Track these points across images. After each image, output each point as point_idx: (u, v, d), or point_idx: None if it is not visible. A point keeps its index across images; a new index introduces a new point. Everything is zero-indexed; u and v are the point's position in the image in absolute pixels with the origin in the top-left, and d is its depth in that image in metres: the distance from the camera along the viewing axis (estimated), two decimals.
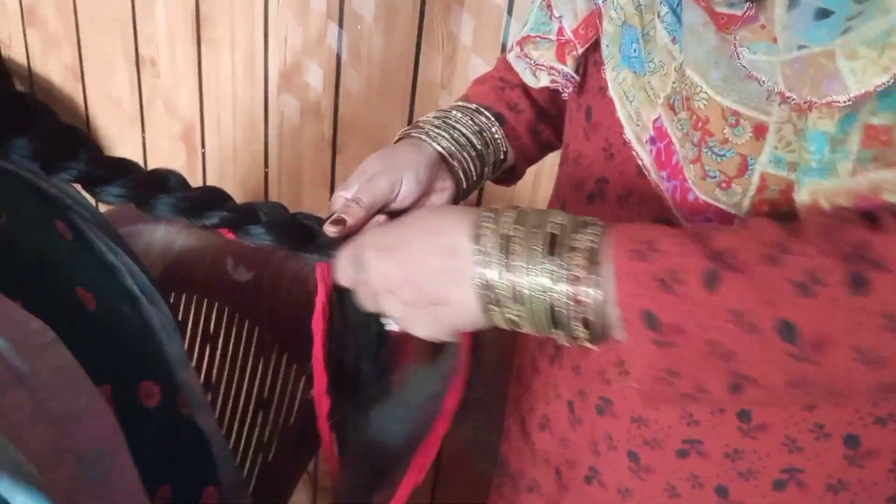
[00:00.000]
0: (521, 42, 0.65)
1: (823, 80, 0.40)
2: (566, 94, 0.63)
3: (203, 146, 1.47)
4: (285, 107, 1.35)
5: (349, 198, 0.58)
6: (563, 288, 0.44)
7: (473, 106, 0.68)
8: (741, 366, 0.42)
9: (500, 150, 0.68)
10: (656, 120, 0.52)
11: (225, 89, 1.39)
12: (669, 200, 0.52)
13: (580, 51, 0.60)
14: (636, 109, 0.54)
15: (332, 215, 0.57)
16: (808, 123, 0.42)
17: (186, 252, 0.96)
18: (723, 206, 0.48)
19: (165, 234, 0.96)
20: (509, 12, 1.09)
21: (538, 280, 0.45)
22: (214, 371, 0.99)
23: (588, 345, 0.46)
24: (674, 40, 0.49)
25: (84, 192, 0.55)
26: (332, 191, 1.36)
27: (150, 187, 0.53)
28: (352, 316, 0.59)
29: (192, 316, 0.99)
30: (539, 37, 0.63)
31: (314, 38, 1.26)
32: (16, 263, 0.53)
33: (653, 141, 0.52)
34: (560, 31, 0.61)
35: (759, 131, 0.45)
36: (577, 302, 0.44)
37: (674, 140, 0.50)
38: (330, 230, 0.56)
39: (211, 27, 1.35)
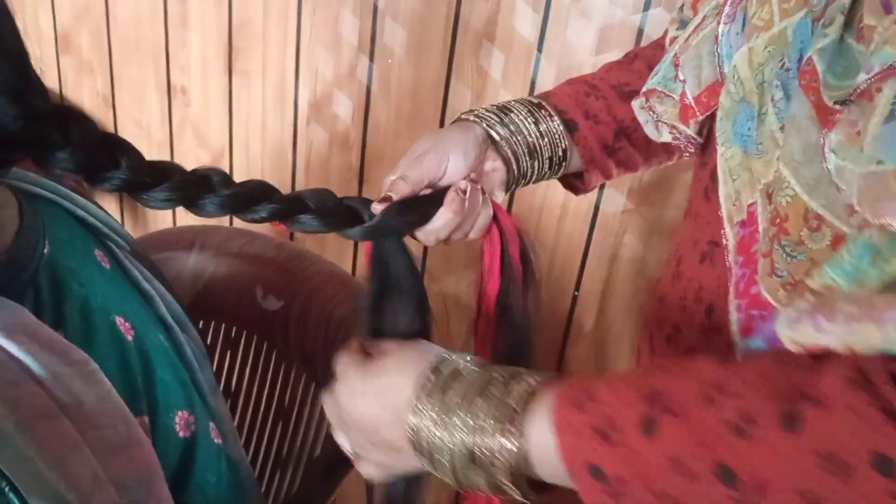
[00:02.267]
0: (647, 94, 0.64)
1: (884, 201, 0.38)
2: (687, 155, 0.63)
3: (231, 174, 1.48)
4: (314, 137, 1.36)
5: (397, 176, 0.61)
6: (482, 440, 0.45)
7: (536, 100, 0.68)
8: None
9: (557, 145, 0.67)
10: (751, 204, 0.49)
11: (255, 118, 1.41)
12: (732, 287, 0.49)
13: (700, 118, 0.59)
14: (737, 189, 0.51)
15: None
16: (864, 234, 0.40)
17: (217, 280, 0.97)
18: (773, 304, 0.46)
19: (196, 262, 0.97)
20: (539, 49, 1.11)
21: (457, 434, 0.46)
22: (241, 398, 0.99)
23: (518, 497, 0.47)
24: (782, 128, 0.47)
25: (133, 200, 0.55)
26: None
27: (196, 187, 0.53)
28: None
29: (220, 343, 0.99)
30: (664, 93, 0.62)
31: (345, 70, 1.27)
32: (60, 292, 0.54)
33: (743, 224, 0.50)
34: (683, 94, 0.60)
35: (837, 241, 0.42)
36: (499, 453, 0.45)
37: (759, 230, 0.48)
38: (377, 207, 0.59)
39: (243, 58, 1.38)
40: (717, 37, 0.56)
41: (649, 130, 0.66)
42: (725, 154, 0.53)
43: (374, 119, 1.28)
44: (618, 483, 0.41)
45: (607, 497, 0.42)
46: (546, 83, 1.12)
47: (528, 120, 0.66)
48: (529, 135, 0.66)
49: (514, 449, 0.44)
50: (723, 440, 0.38)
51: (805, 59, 0.43)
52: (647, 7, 1.03)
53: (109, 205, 1.68)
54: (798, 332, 0.40)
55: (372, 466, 0.55)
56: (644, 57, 0.72)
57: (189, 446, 0.59)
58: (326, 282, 0.95)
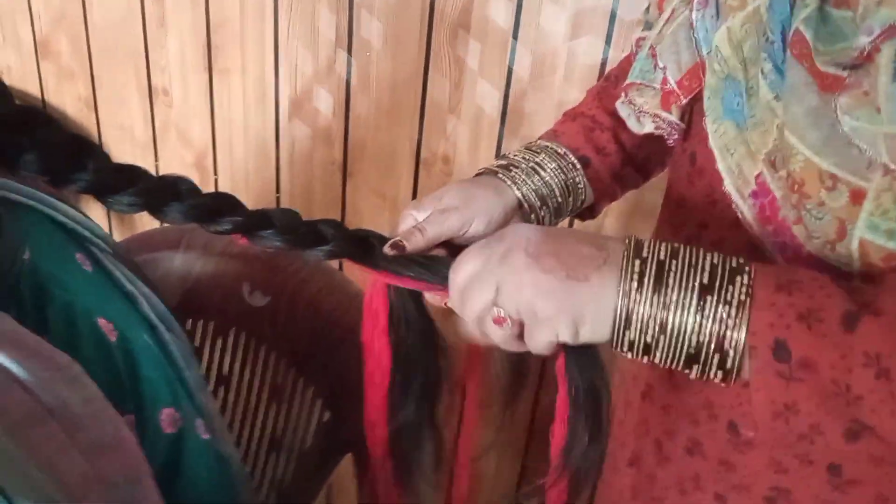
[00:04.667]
0: (626, 88, 0.65)
1: None
2: (671, 142, 0.64)
3: (215, 173, 1.49)
4: (296, 133, 1.37)
5: (417, 224, 0.59)
6: (710, 328, 0.43)
7: (563, 150, 0.67)
8: (864, 412, 0.41)
9: (578, 198, 0.67)
10: (758, 175, 0.51)
11: (236, 117, 1.42)
12: (779, 256, 0.50)
13: (684, 101, 0.60)
14: (737, 162, 0.53)
15: (393, 237, 0.58)
16: None
17: (203, 279, 0.98)
18: (835, 264, 0.47)
19: (183, 262, 0.98)
20: (514, 37, 1.11)
21: (686, 317, 0.44)
22: (231, 395, 1.00)
23: (720, 382, 0.46)
24: (776, 98, 0.48)
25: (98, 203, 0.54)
26: (343, 214, 1.38)
27: (162, 194, 0.53)
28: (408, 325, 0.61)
29: (209, 341, 1.00)
30: (644, 84, 0.63)
31: (324, 65, 1.28)
32: (42, 298, 0.55)
33: (755, 195, 0.52)
34: (664, 80, 0.61)
35: (857, 196, 0.44)
36: (721, 342, 0.43)
37: (777, 197, 0.50)
38: (388, 252, 0.57)
39: (222, 57, 1.38)
40: (692, 23, 0.58)
41: (632, 124, 0.67)
42: (718, 131, 0.54)
43: (355, 112, 1.29)
44: (801, 366, 0.41)
45: (778, 380, 0.42)
46: (523, 70, 1.13)
47: (558, 177, 0.65)
48: (558, 196, 0.65)
49: (737, 342, 0.43)
50: None
51: (793, 30, 0.45)
52: None
53: (95, 207, 1.69)
54: None
55: (547, 330, 0.48)
56: (625, 74, 0.73)
57: (176, 443, 0.60)
58: (312, 276, 0.97)
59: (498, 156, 1.20)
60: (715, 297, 0.43)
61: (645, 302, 0.44)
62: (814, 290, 0.42)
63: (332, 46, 1.26)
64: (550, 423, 0.54)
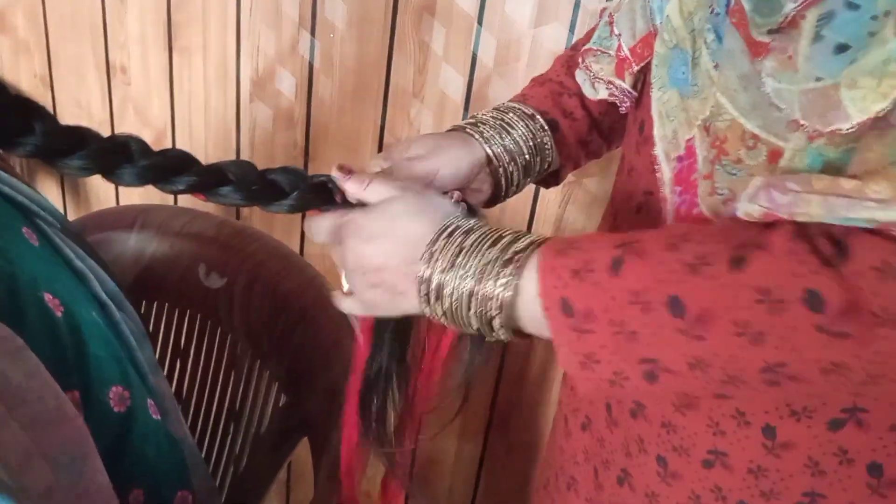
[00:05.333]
0: (583, 54, 0.67)
1: (830, 111, 0.42)
2: (623, 108, 0.65)
3: None
4: (258, 114, 1.35)
5: (383, 167, 0.61)
6: (483, 285, 0.49)
7: (530, 111, 0.69)
8: (643, 347, 0.45)
9: (546, 160, 0.69)
10: (690, 139, 0.53)
11: (197, 96, 1.39)
12: (671, 214, 0.53)
13: (635, 68, 0.62)
14: (674, 129, 0.55)
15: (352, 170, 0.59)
16: (812, 147, 0.44)
17: (158, 259, 0.96)
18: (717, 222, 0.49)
19: (138, 242, 0.96)
20: (479, 22, 1.11)
21: (465, 282, 0.50)
22: (186, 378, 0.99)
23: (504, 337, 0.51)
24: (716, 66, 0.50)
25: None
26: None
27: (113, 156, 0.51)
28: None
29: (163, 324, 0.99)
30: (600, 50, 0.65)
31: (287, 45, 1.26)
32: None
33: (680, 159, 0.54)
34: (619, 47, 0.63)
35: (774, 156, 0.47)
36: (490, 298, 0.49)
37: (699, 159, 0.52)
38: (341, 177, 0.57)
39: (183, 34, 1.35)
40: None
41: (587, 90, 0.69)
42: (662, 98, 0.57)
43: (318, 95, 1.28)
44: (584, 317, 0.46)
45: (573, 332, 0.47)
46: (487, 57, 1.12)
47: (526, 136, 0.67)
48: (525, 154, 0.67)
49: (509, 294, 0.49)
50: (676, 276, 0.43)
51: (734, 1, 0.48)
52: None
53: (50, 185, 1.65)
54: (752, 206, 0.45)
55: (359, 304, 0.57)
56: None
57: (125, 421, 0.59)
58: (270, 257, 0.96)
59: None
60: (498, 249, 0.49)
61: (432, 284, 0.52)
62: (588, 246, 0.47)
63: (296, 27, 1.24)
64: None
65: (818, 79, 0.42)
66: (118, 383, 0.59)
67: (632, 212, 0.62)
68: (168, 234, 0.98)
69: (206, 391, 0.98)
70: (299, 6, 1.22)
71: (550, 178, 0.74)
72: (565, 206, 1.17)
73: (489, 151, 0.65)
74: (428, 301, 0.52)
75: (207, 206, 0.79)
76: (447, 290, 0.51)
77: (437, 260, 0.51)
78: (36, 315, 0.54)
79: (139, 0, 1.36)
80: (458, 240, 0.51)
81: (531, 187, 1.17)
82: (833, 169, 0.44)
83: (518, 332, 0.51)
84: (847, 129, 0.42)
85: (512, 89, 1.13)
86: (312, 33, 1.23)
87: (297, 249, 1.39)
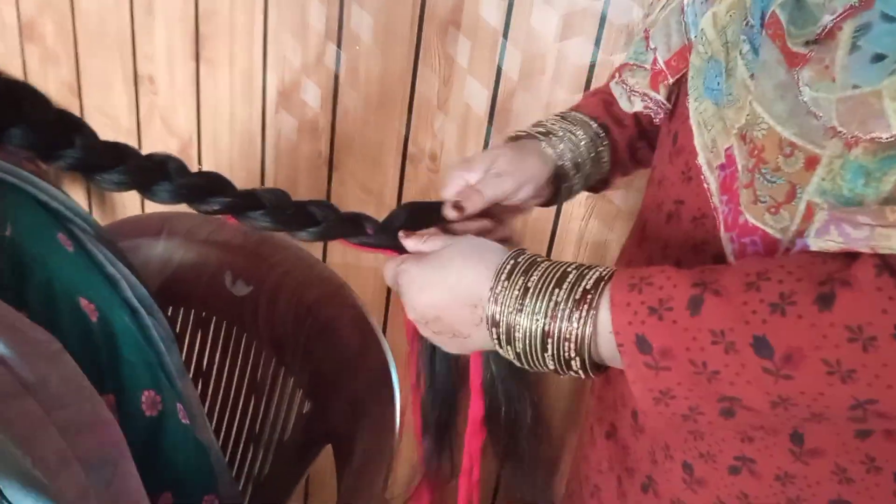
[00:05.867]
0: (620, 69, 0.70)
1: (870, 118, 0.42)
2: (658, 120, 0.67)
3: (200, 163, 1.48)
4: (282, 124, 1.36)
5: (473, 185, 0.63)
6: (558, 326, 0.50)
7: (594, 123, 0.72)
8: (725, 386, 0.45)
9: (601, 168, 0.72)
10: (728, 148, 0.54)
11: (222, 107, 1.41)
12: (721, 223, 0.54)
13: (671, 81, 0.63)
14: (713, 138, 0.56)
15: (450, 199, 0.63)
16: (850, 156, 0.44)
17: (185, 266, 0.97)
18: (770, 231, 0.50)
19: (165, 249, 0.97)
20: (505, 36, 1.12)
21: (536, 324, 0.51)
22: (211, 384, 0.99)
23: (582, 375, 0.51)
24: (752, 76, 0.51)
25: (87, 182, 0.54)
26: None
27: (151, 173, 0.52)
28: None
29: (189, 330, 0.99)
30: (636, 65, 0.67)
31: (312, 57, 1.28)
32: (22, 275, 0.54)
33: (722, 167, 0.55)
34: (654, 61, 0.64)
35: (811, 163, 0.47)
36: (567, 339, 0.50)
37: (738, 167, 0.53)
38: (450, 214, 0.62)
39: (210, 46, 1.37)
40: (682, 7, 0.62)
41: (623, 103, 0.71)
42: (699, 108, 0.58)
43: (343, 106, 1.29)
44: (661, 354, 0.46)
45: (648, 369, 0.47)
46: (512, 70, 1.13)
47: (588, 146, 0.70)
48: (588, 166, 0.70)
49: (585, 330, 0.49)
50: (760, 316, 0.44)
51: (769, 13, 0.49)
52: None
53: (77, 192, 1.67)
54: (826, 241, 0.45)
55: (450, 347, 0.59)
56: None
57: (156, 426, 0.60)
58: (295, 266, 0.96)
59: None
60: (565, 290, 0.50)
61: (503, 327, 0.53)
62: (662, 282, 0.47)
63: (322, 39, 1.25)
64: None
65: (855, 87, 0.43)
66: (150, 388, 0.60)
67: (662, 221, 0.63)
68: (195, 241, 0.99)
69: (231, 397, 0.99)
70: (326, 18, 1.24)
71: (599, 184, 0.76)
72: (588, 220, 1.17)
73: (562, 165, 0.68)
74: (500, 344, 0.53)
75: None
76: (518, 334, 0.52)
77: (501, 303, 0.52)
78: (72, 320, 0.55)
79: (167, 12, 1.38)
80: (520, 281, 0.52)
81: None
82: (874, 181, 0.44)
83: (594, 367, 0.52)
84: (887, 138, 0.42)
85: (537, 103, 1.13)
86: (338, 45, 1.25)
87: (320, 257, 1.39)
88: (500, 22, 1.11)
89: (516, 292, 0.51)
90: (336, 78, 1.27)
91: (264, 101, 1.36)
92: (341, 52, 1.25)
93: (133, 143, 1.55)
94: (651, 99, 0.66)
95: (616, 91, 0.71)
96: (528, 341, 0.52)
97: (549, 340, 0.51)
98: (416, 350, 0.66)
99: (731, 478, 0.57)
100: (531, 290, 0.51)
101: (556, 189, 0.69)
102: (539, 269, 0.52)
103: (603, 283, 0.50)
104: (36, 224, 0.60)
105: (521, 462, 0.65)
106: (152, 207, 1.67)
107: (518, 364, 0.54)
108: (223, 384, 0.99)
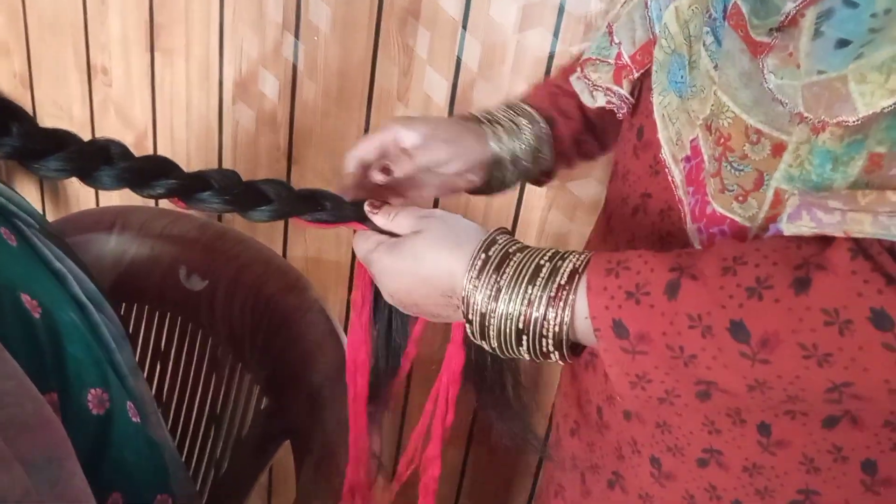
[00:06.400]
0: (582, 64, 0.69)
1: (836, 103, 0.42)
2: (620, 115, 0.66)
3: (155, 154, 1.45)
4: (240, 116, 1.34)
5: (406, 149, 0.63)
6: (533, 312, 0.49)
7: (539, 116, 0.71)
8: (702, 370, 0.45)
9: (543, 161, 0.71)
10: (693, 139, 0.54)
11: (178, 98, 1.38)
12: (688, 214, 0.54)
13: (636, 75, 0.63)
14: (677, 130, 0.56)
15: (380, 162, 0.63)
16: (818, 141, 0.45)
17: (139, 262, 0.95)
18: (738, 219, 0.50)
19: (118, 244, 0.95)
20: (464, 26, 1.11)
21: (513, 306, 0.50)
22: (167, 381, 0.98)
23: (560, 362, 0.51)
24: (715, 67, 0.51)
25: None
26: None
27: (92, 158, 0.50)
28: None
29: (143, 326, 0.98)
30: (599, 60, 0.67)
31: (270, 48, 1.26)
32: None
33: (687, 159, 0.55)
34: (619, 55, 0.64)
35: (778, 149, 0.47)
36: (545, 336, 0.50)
37: (705, 157, 0.53)
38: (377, 178, 0.62)
39: (165, 36, 1.34)
40: (646, 3, 0.62)
41: (585, 98, 0.70)
42: (663, 102, 0.58)
43: (302, 98, 1.27)
44: (638, 339, 0.46)
45: (625, 353, 0.47)
46: (472, 60, 1.12)
47: (531, 142, 0.70)
48: (526, 161, 0.70)
49: (562, 319, 0.49)
50: (736, 300, 0.44)
51: (731, 4, 0.49)
52: None
53: (29, 186, 1.63)
54: (798, 226, 0.45)
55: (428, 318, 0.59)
56: None
57: (104, 424, 0.58)
58: (253, 260, 0.95)
59: None
60: (539, 287, 0.49)
61: (475, 312, 0.52)
62: (639, 266, 0.47)
63: (280, 29, 1.24)
64: None
65: (820, 72, 0.43)
66: (97, 385, 0.59)
67: (627, 214, 0.63)
68: (149, 235, 0.97)
69: (187, 394, 0.97)
70: (283, 8, 1.22)
71: (542, 177, 0.75)
72: (549, 210, 1.17)
73: (500, 155, 0.68)
74: (474, 337, 0.53)
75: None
76: (492, 332, 0.52)
77: (474, 303, 0.52)
78: (13, 316, 0.53)
79: (121, 1, 1.35)
80: (492, 279, 0.51)
81: (514, 192, 1.18)
82: (841, 165, 0.44)
83: (571, 350, 0.51)
84: (853, 121, 0.42)
85: (496, 93, 1.13)
86: (296, 36, 1.23)
87: (280, 252, 1.38)
88: (459, 12, 1.11)
89: (488, 292, 0.51)
90: (294, 69, 1.26)
91: (221, 92, 1.34)
92: (299, 43, 1.23)
93: (87, 135, 1.52)
94: (615, 93, 0.65)
95: (578, 86, 0.71)
96: (503, 338, 0.51)
97: (525, 337, 0.50)
98: (369, 300, 0.65)
99: (699, 470, 0.58)
100: (503, 290, 0.50)
101: (488, 178, 0.69)
102: (511, 263, 0.51)
103: (578, 276, 0.49)
104: None
105: (507, 408, 0.64)
106: (107, 201, 1.64)
107: (491, 350, 0.54)
108: (179, 381, 0.97)
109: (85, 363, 0.58)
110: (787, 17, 0.44)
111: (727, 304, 0.44)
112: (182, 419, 0.97)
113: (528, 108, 0.71)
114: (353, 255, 1.40)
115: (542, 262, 0.51)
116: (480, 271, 0.51)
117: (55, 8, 1.42)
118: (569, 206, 1.16)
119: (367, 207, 0.60)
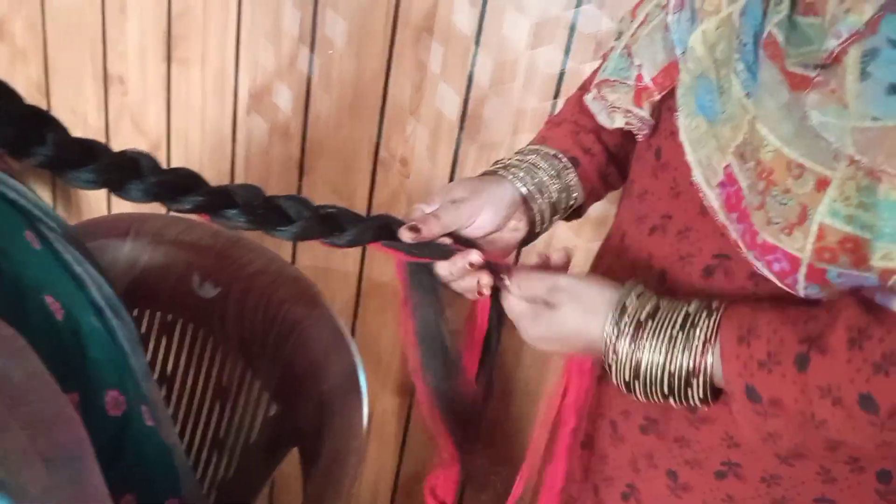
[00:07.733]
0: (599, 85, 0.69)
1: None
2: (640, 137, 0.67)
3: (169, 163, 1.47)
4: (254, 127, 1.36)
5: (432, 211, 0.64)
6: (682, 363, 0.54)
7: (553, 151, 0.71)
8: (831, 432, 0.50)
9: (571, 196, 0.72)
10: (727, 166, 0.54)
11: (193, 108, 1.40)
12: (740, 241, 0.54)
13: (657, 97, 0.63)
14: (706, 155, 0.56)
15: (409, 222, 0.63)
16: (881, 192, 0.45)
17: (152, 268, 0.97)
18: (789, 250, 0.51)
19: (132, 250, 0.96)
20: (477, 43, 1.13)
21: (658, 357, 0.55)
22: (176, 387, 0.99)
23: (701, 406, 0.56)
24: (747, 95, 0.52)
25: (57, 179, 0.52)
26: None
27: (123, 171, 0.51)
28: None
29: (155, 332, 0.99)
30: (617, 81, 0.66)
31: (285, 60, 1.28)
32: None
33: (723, 185, 0.55)
34: (639, 77, 0.63)
35: (821, 184, 0.47)
36: (695, 375, 0.54)
37: (743, 187, 0.53)
38: (405, 235, 0.62)
39: (182, 46, 1.36)
40: (667, 25, 0.62)
41: (602, 119, 0.70)
42: (690, 125, 0.58)
43: (315, 110, 1.29)
44: (770, 404, 0.51)
45: (757, 416, 0.52)
46: (483, 77, 1.14)
47: (551, 175, 0.70)
48: (552, 193, 0.70)
49: (700, 382, 0.54)
50: (864, 374, 0.47)
51: (766, 33, 0.49)
52: (578, 4, 1.06)
53: (41, 191, 1.64)
54: None
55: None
56: None
57: (120, 426, 0.59)
58: (265, 268, 0.96)
59: (455, 160, 1.21)
60: (681, 346, 0.54)
61: (623, 359, 0.57)
62: (769, 336, 0.51)
63: (295, 42, 1.26)
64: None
65: (875, 119, 0.43)
66: (114, 387, 0.60)
67: (644, 233, 0.63)
68: (163, 242, 0.98)
69: (196, 400, 0.98)
70: (300, 22, 1.24)
71: (572, 214, 0.76)
72: (555, 226, 1.18)
73: (522, 190, 0.68)
74: (628, 389, 0.57)
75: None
76: (639, 387, 0.56)
77: (617, 371, 0.57)
78: (38, 317, 0.54)
79: (140, 11, 1.37)
80: (630, 349, 0.56)
81: None
82: None
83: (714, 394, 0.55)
84: None
85: (507, 109, 1.15)
86: (312, 49, 1.25)
87: (288, 260, 1.39)
88: (472, 29, 1.13)
89: (629, 365, 0.56)
90: (308, 82, 1.27)
91: (236, 103, 1.36)
92: (314, 57, 1.25)
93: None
94: (634, 115, 0.65)
95: (594, 107, 0.70)
96: (649, 391, 0.57)
97: (671, 398, 0.56)
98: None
99: (716, 482, 0.59)
100: (642, 365, 0.55)
101: (530, 220, 0.69)
102: (646, 334, 0.55)
103: (710, 346, 0.53)
104: (3, 221, 0.60)
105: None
106: (118, 207, 1.65)
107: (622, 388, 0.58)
108: (188, 387, 0.98)
109: (104, 365, 0.59)
110: (830, 54, 0.45)
111: (855, 379, 0.47)
112: (191, 424, 0.98)
113: (540, 147, 0.72)
114: (362, 266, 1.40)
115: (674, 332, 0.55)
116: (617, 339, 0.56)
117: (74, 16, 1.44)
118: (575, 222, 1.17)
119: (477, 258, 0.63)
